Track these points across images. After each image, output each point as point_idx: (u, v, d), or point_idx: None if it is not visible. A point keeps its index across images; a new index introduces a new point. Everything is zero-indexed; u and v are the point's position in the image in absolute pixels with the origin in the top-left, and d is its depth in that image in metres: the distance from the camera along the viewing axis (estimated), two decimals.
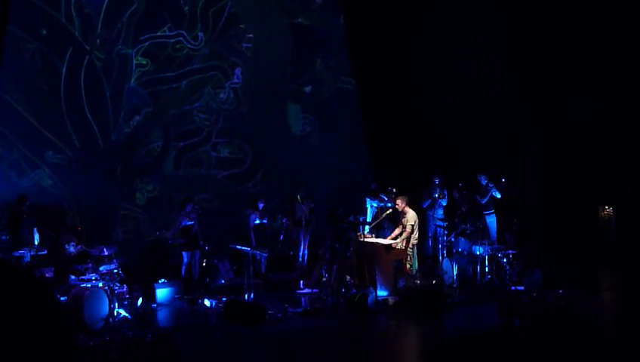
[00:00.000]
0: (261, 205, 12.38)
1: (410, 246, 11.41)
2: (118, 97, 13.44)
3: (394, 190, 11.87)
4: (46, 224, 11.02)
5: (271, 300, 10.65)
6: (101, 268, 9.84)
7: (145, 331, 8.69)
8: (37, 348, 6.50)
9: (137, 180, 13.58)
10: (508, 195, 12.50)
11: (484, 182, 12.67)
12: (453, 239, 12.09)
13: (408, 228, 11.27)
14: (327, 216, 11.58)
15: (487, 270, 11.46)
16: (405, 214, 11.38)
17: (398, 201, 11.45)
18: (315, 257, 12.25)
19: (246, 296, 10.53)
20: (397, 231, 11.43)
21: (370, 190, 12.89)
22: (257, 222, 12.29)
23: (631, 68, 12.96)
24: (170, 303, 10.81)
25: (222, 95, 14.26)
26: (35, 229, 10.64)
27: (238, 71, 14.37)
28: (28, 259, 10.14)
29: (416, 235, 11.58)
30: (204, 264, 11.74)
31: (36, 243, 10.25)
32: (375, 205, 12.39)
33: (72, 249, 10.20)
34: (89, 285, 9.26)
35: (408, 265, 11.31)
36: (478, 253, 11.58)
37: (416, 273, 11.28)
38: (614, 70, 13.04)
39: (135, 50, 13.56)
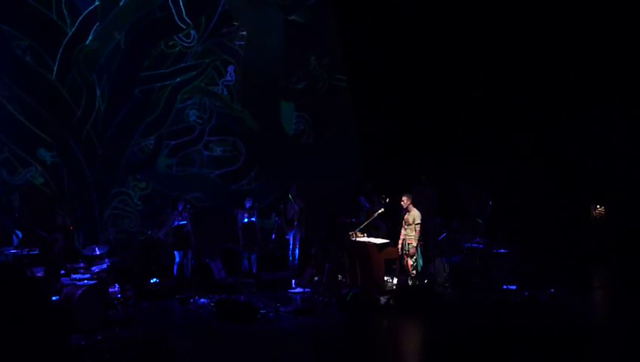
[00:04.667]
0: (248, 203, 12.33)
1: (414, 244, 11.24)
2: (110, 95, 13.36)
3: (387, 199, 11.75)
4: (38, 223, 10.97)
5: (263, 299, 10.66)
6: (93, 268, 9.82)
7: (137, 330, 8.70)
8: (29, 347, 6.49)
9: (130, 178, 13.53)
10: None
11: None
12: (445, 238, 12.10)
13: (417, 228, 10.95)
14: (320, 216, 11.57)
15: (479, 269, 11.46)
16: (409, 212, 11.05)
17: (404, 198, 11.21)
18: (306, 256, 12.24)
19: (238, 296, 10.53)
20: (403, 232, 11.07)
21: (364, 190, 12.89)
22: (245, 220, 12.25)
23: (626, 69, 12.99)
24: (162, 302, 10.78)
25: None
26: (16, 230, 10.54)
27: (231, 68, 14.31)
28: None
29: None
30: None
31: (15, 243, 10.21)
32: (365, 209, 12.38)
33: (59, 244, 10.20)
34: (81, 284, 9.23)
35: (412, 263, 11.14)
36: (470, 251, 11.59)
37: (420, 271, 11.16)
38: (610, 70, 13.08)
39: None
